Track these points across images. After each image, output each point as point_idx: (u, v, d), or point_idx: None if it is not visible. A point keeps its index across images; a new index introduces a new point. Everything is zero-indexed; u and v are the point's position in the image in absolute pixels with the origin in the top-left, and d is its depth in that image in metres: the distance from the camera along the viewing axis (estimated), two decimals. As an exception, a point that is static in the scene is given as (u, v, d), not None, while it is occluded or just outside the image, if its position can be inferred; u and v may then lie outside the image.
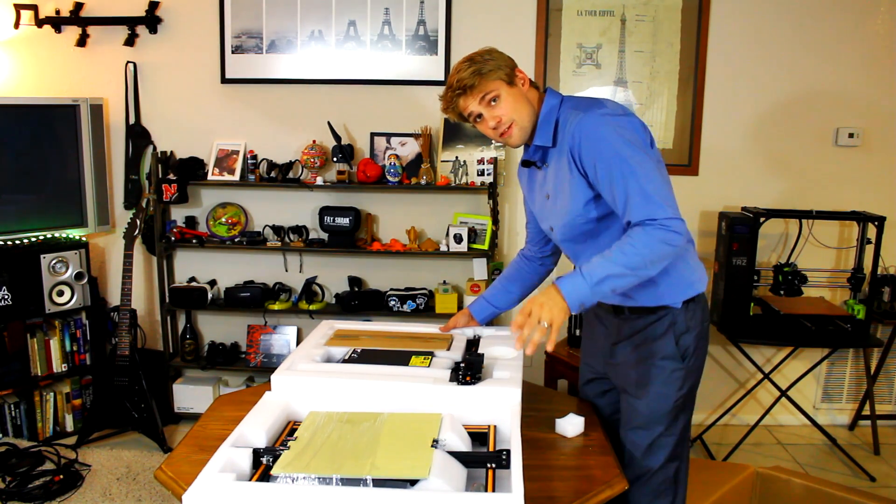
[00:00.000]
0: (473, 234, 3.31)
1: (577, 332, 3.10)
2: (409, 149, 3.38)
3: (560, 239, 1.79)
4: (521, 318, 1.53)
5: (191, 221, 3.50)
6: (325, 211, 3.36)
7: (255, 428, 1.47)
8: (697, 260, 1.77)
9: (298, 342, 3.49)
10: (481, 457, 1.38)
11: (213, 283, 3.53)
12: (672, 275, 1.68)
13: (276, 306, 3.39)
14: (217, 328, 3.62)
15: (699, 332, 1.74)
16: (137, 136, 3.47)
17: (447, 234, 3.30)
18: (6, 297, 3.07)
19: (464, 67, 1.66)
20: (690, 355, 1.72)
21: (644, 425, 1.73)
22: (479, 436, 1.53)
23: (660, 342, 1.71)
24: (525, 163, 1.81)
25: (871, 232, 3.06)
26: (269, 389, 1.67)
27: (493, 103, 1.66)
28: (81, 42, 3.38)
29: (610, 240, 1.64)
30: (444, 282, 3.41)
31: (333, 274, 3.53)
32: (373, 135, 3.40)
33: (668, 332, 1.71)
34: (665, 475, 1.75)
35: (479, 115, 1.69)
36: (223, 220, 3.49)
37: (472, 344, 1.99)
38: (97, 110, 3.31)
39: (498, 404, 1.59)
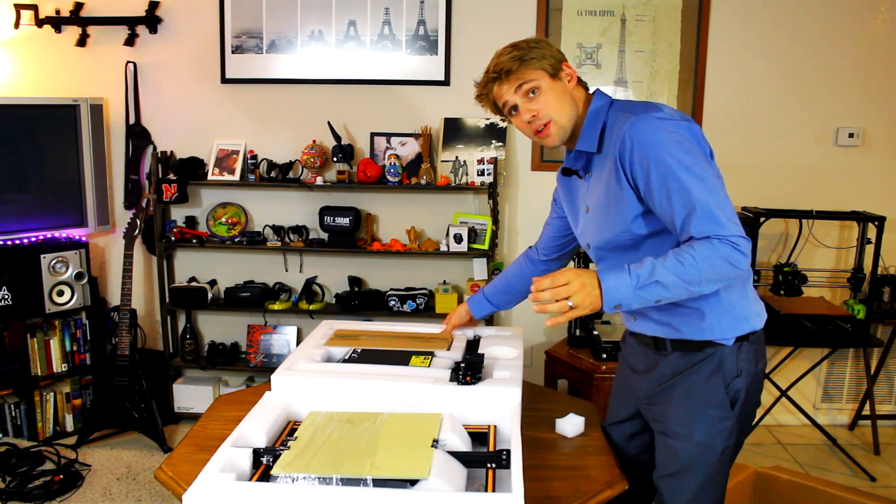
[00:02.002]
0: (473, 234, 3.31)
1: (578, 332, 3.10)
2: (409, 149, 3.38)
3: (596, 257, 1.63)
4: (549, 283, 1.35)
5: (191, 221, 3.50)
6: (325, 211, 3.36)
7: (255, 428, 1.47)
8: (755, 293, 1.58)
9: (298, 342, 3.49)
10: (481, 457, 1.38)
11: (213, 283, 3.53)
12: (724, 304, 1.49)
13: (276, 306, 3.39)
14: (217, 328, 3.62)
15: (753, 375, 1.53)
16: (137, 136, 3.47)
17: (447, 234, 3.30)
18: (6, 297, 3.07)
19: (505, 52, 1.51)
20: (741, 402, 1.52)
21: (684, 473, 1.54)
22: (479, 436, 1.53)
23: (706, 386, 1.51)
24: (566, 171, 1.64)
25: (871, 232, 3.06)
26: (269, 389, 1.67)
27: (531, 95, 1.50)
28: (81, 42, 3.38)
29: (657, 249, 1.50)
30: (444, 282, 3.41)
31: (333, 274, 3.53)
32: (373, 135, 3.40)
33: (715, 375, 1.50)
34: None
35: (515, 107, 1.53)
36: (223, 220, 3.49)
37: (472, 344, 1.99)
38: (97, 110, 3.32)
39: (498, 404, 1.59)
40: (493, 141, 3.32)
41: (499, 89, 1.52)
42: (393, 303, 3.34)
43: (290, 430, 1.55)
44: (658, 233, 1.48)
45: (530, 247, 2.01)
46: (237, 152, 3.39)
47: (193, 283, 3.46)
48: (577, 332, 3.10)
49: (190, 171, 3.37)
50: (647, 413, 1.65)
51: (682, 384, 1.54)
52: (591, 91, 1.60)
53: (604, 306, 1.34)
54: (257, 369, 3.47)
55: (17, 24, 3.35)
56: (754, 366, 1.53)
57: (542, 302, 1.35)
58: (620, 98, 3.32)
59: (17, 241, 3.16)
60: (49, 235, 3.26)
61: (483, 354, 1.77)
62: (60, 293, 3.21)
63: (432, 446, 1.37)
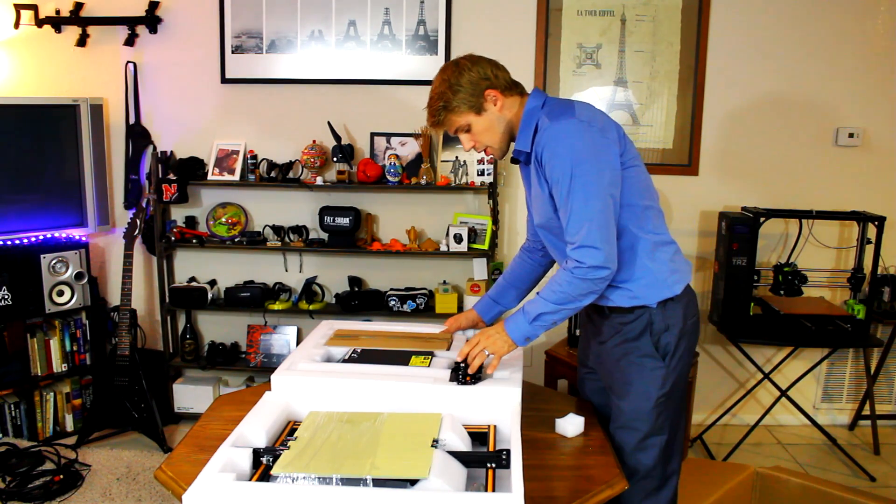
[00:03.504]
0: (473, 234, 3.31)
1: (577, 331, 3.10)
2: (409, 149, 3.38)
3: (542, 235, 1.85)
4: (466, 348, 1.70)
5: (191, 221, 3.50)
6: (325, 211, 3.36)
7: (255, 428, 1.47)
8: (680, 261, 1.78)
9: (298, 342, 3.49)
10: (481, 457, 1.39)
11: (213, 283, 3.53)
12: (648, 277, 1.71)
13: (276, 306, 3.39)
14: (217, 328, 3.62)
15: (681, 330, 1.74)
16: (137, 136, 3.47)
17: (447, 234, 3.30)
18: (6, 297, 3.07)
19: (434, 96, 1.71)
20: (671, 354, 1.73)
21: (628, 424, 1.74)
22: (479, 436, 1.53)
23: (638, 341, 1.73)
24: (513, 159, 1.83)
25: (871, 232, 3.05)
26: (269, 389, 1.67)
27: (465, 132, 1.74)
28: (81, 42, 3.38)
29: None
30: (444, 282, 3.41)
31: (333, 274, 3.53)
32: (373, 135, 3.40)
33: (645, 331, 1.72)
34: (656, 474, 1.76)
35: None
36: (223, 220, 3.49)
37: (473, 344, 1.99)
38: (97, 110, 3.32)
39: (498, 404, 1.59)
40: (493, 141, 3.31)
41: (440, 130, 1.77)
42: (393, 303, 3.34)
43: (290, 430, 1.55)
44: None
45: (522, 244, 2.09)
46: (237, 152, 3.39)
47: (193, 283, 3.46)
48: (577, 332, 3.11)
49: (190, 171, 3.37)
50: (598, 370, 1.90)
51: (619, 342, 1.76)
52: (528, 91, 1.76)
53: (517, 343, 1.69)
54: (257, 369, 3.47)
55: (17, 24, 3.35)
56: (682, 321, 1.74)
57: (471, 360, 1.68)
58: (620, 98, 3.33)
59: (17, 241, 3.16)
60: (49, 235, 3.26)
61: (483, 354, 1.77)
62: (60, 293, 3.21)
63: (432, 446, 1.37)
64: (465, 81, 1.68)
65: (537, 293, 1.69)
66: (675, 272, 1.75)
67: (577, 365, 2.07)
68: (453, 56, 3.31)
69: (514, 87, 1.73)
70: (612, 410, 1.81)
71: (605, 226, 1.59)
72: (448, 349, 1.87)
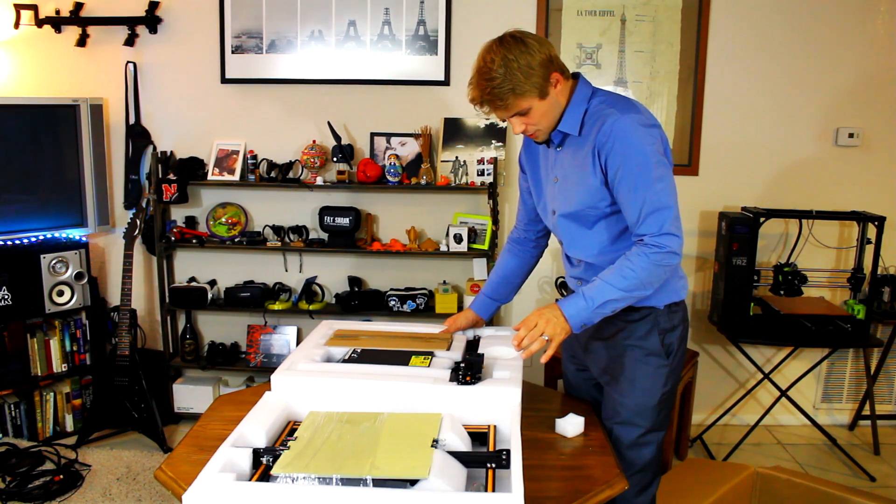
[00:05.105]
0: (473, 234, 3.31)
1: (577, 332, 3.10)
2: (409, 149, 3.38)
3: (558, 224, 1.81)
4: (524, 331, 1.63)
5: (191, 221, 3.50)
6: (325, 211, 3.36)
7: (255, 428, 1.47)
8: (682, 270, 1.82)
9: (298, 342, 3.49)
10: (481, 457, 1.38)
11: (213, 283, 3.53)
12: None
13: (276, 306, 3.39)
14: (217, 328, 3.62)
15: (681, 332, 1.80)
16: (137, 136, 3.47)
17: (447, 234, 3.30)
18: (6, 297, 3.07)
19: (498, 76, 1.56)
20: (674, 353, 1.78)
21: (630, 420, 1.76)
22: (479, 436, 1.53)
23: (646, 340, 1.76)
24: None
25: (871, 232, 3.06)
26: (269, 389, 1.67)
27: (522, 116, 1.66)
28: (81, 42, 3.38)
29: (605, 231, 1.72)
30: (444, 282, 3.41)
31: (333, 274, 3.53)
32: (373, 135, 3.40)
33: (653, 330, 1.75)
34: (651, 468, 1.79)
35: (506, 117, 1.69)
36: (223, 220, 3.49)
37: (472, 344, 1.99)
38: (97, 110, 3.32)
39: (498, 404, 1.59)
40: (493, 141, 3.32)
41: (492, 111, 1.66)
42: (393, 303, 3.34)
43: (289, 430, 1.55)
44: (612, 213, 1.70)
45: (510, 236, 2.09)
46: (237, 152, 3.39)
47: (193, 283, 3.46)
48: (577, 332, 3.10)
49: (190, 171, 3.37)
50: (591, 366, 1.89)
51: (624, 338, 1.77)
52: (574, 76, 1.72)
53: (573, 329, 1.62)
54: (257, 369, 3.47)
55: (17, 24, 3.34)
56: (681, 323, 1.80)
57: (527, 347, 1.62)
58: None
59: (17, 241, 3.16)
60: (49, 235, 3.26)
61: (483, 354, 1.77)
62: (60, 293, 3.21)
63: (432, 446, 1.37)
64: (536, 63, 1.58)
65: (598, 278, 1.62)
66: (682, 278, 1.81)
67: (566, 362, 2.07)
68: (454, 56, 3.32)
69: (565, 74, 1.67)
70: (607, 405, 1.82)
71: (679, 217, 1.62)
72: (448, 349, 1.87)
